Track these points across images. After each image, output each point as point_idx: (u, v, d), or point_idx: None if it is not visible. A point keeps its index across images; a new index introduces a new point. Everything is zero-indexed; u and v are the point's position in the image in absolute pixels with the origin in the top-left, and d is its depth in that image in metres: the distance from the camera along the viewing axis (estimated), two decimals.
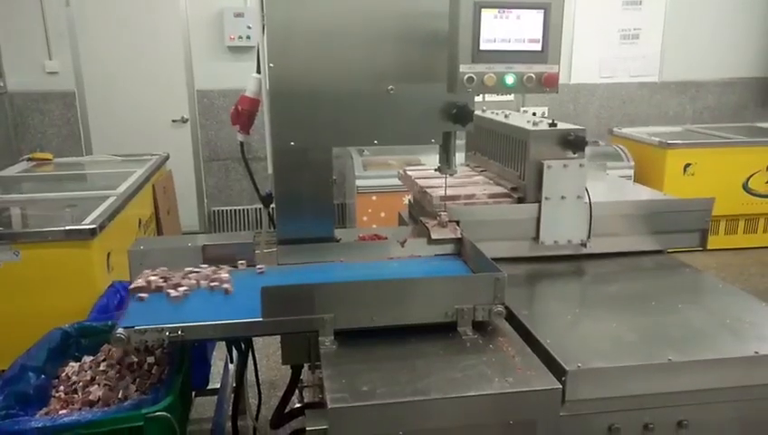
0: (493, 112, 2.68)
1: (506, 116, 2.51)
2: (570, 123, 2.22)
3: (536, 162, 2.09)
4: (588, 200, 2.12)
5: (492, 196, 2.24)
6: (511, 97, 6.12)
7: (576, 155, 2.09)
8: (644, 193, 2.57)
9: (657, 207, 2.25)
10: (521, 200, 2.17)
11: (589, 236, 2.14)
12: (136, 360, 1.92)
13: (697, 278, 2.10)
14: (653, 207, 2.24)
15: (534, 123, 2.22)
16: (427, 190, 2.23)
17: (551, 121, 2.19)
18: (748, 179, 5.48)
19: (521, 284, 2.03)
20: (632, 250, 2.24)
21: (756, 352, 1.53)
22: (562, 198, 2.09)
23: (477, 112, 2.38)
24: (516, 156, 2.25)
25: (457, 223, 2.09)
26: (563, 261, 2.17)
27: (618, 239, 2.21)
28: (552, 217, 2.11)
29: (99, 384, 1.85)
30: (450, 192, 2.19)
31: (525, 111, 6.12)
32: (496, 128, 2.46)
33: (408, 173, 2.58)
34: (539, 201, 2.10)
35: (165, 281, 1.85)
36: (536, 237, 2.13)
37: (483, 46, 1.70)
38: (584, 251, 2.17)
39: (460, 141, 2.23)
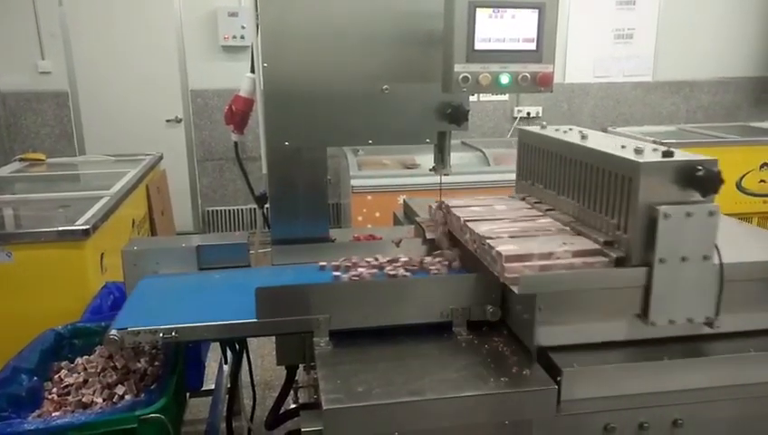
0: (557, 130, 2.00)
1: (583, 137, 1.84)
2: (679, 149, 1.57)
3: (646, 207, 1.46)
4: (719, 261, 1.51)
5: (577, 254, 1.57)
6: (506, 97, 6.13)
7: (705, 198, 1.48)
8: None
9: None
10: (620, 262, 1.54)
11: (717, 313, 1.54)
12: (129, 361, 1.91)
13: None
14: None
15: (637, 151, 1.55)
16: (491, 243, 1.61)
17: (663, 149, 1.54)
18: (741, 179, 5.50)
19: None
20: None
21: (751, 351, 1.54)
22: (683, 259, 1.47)
23: (534, 130, 2.03)
24: (611, 197, 1.59)
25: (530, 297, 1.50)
26: (676, 344, 1.58)
27: (755, 315, 1.62)
28: (669, 287, 1.48)
29: (92, 386, 1.84)
30: (515, 247, 1.57)
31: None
32: (571, 153, 1.80)
33: (454, 212, 1.93)
34: (649, 264, 1.48)
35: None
36: (642, 315, 1.52)
37: (477, 46, 1.70)
38: (708, 331, 1.57)
39: (455, 141, 2.21)
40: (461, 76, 1.71)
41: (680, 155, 1.51)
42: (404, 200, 2.82)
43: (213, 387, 2.72)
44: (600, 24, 6.33)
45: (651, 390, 1.50)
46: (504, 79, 1.73)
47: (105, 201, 3.33)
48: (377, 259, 1.96)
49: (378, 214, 4.63)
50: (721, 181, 1.43)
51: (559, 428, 1.46)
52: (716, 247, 1.49)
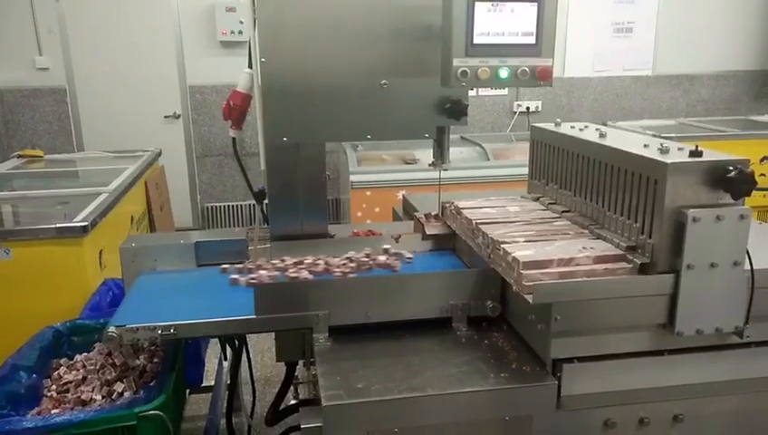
0: (573, 127, 1.91)
1: (602, 135, 1.76)
2: (708, 150, 1.46)
3: (674, 211, 1.38)
4: (750, 268, 1.42)
5: (598, 260, 1.47)
6: (505, 91, 6.12)
7: (736, 200, 1.39)
8: None
9: None
10: (644, 268, 1.45)
11: (747, 322, 1.45)
12: (128, 358, 1.91)
13: None
14: None
15: (662, 150, 1.47)
16: (506, 248, 1.53)
17: (690, 148, 1.45)
18: None
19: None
20: None
21: (751, 345, 1.53)
22: (712, 265, 1.39)
23: (549, 127, 1.97)
24: (635, 199, 1.51)
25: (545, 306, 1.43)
26: (703, 353, 1.52)
27: None
28: (697, 295, 1.41)
29: (91, 383, 1.84)
30: (532, 252, 1.49)
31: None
32: (589, 152, 1.71)
33: (465, 213, 1.86)
34: (676, 271, 1.41)
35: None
36: (668, 324, 1.45)
37: (476, 40, 1.69)
38: (735, 341, 1.50)
39: (454, 136, 2.20)
40: (460, 70, 1.70)
41: (709, 155, 1.43)
42: (403, 196, 2.81)
43: (212, 383, 2.71)
44: (599, 17, 6.31)
45: (652, 385, 1.50)
46: (504, 73, 1.72)
47: (104, 198, 3.32)
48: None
49: (377, 209, 4.63)
50: (754, 183, 1.35)
51: (559, 423, 1.46)
52: (747, 253, 1.41)
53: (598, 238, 1.60)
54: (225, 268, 1.95)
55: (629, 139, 1.71)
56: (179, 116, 5.84)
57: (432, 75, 1.82)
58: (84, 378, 1.87)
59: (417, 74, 1.91)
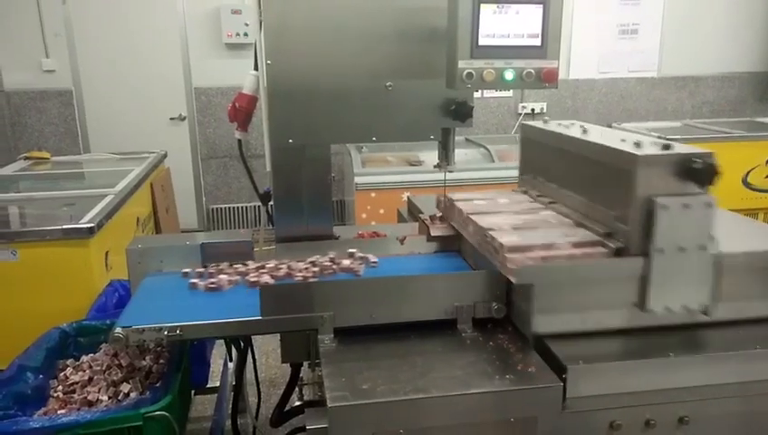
0: (560, 124, 2.03)
1: (585, 131, 1.87)
2: (679, 143, 1.61)
3: (645, 200, 1.49)
4: (716, 251, 1.55)
5: (578, 245, 1.61)
6: (510, 93, 6.11)
7: (702, 190, 1.52)
8: None
9: None
10: (620, 252, 1.57)
11: (713, 301, 1.58)
12: (134, 359, 1.91)
13: None
14: None
15: (637, 144, 1.60)
16: (494, 235, 1.66)
17: (662, 142, 1.60)
18: (747, 174, 5.47)
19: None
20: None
21: (758, 348, 1.53)
22: (681, 249, 1.51)
23: (538, 125, 2.05)
24: (611, 189, 1.63)
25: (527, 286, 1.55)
26: (672, 333, 1.61)
27: (749, 304, 1.65)
28: (667, 276, 1.53)
29: (97, 384, 1.84)
30: (517, 238, 1.62)
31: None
32: (573, 147, 1.83)
33: (458, 205, 1.97)
34: (647, 254, 1.52)
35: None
36: (640, 303, 1.57)
37: (482, 42, 1.69)
38: (703, 319, 1.61)
39: (459, 137, 2.20)
40: (465, 72, 1.70)
41: (678, 148, 1.55)
42: (408, 197, 2.81)
43: (218, 384, 2.72)
44: (604, 19, 6.30)
45: (657, 387, 1.49)
46: (509, 75, 1.72)
47: (110, 199, 3.34)
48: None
49: (382, 211, 4.63)
50: (718, 173, 1.47)
51: (564, 425, 1.46)
52: (713, 238, 1.53)
53: (579, 226, 1.72)
54: (186, 272, 1.94)
55: (609, 135, 1.82)
56: (185, 118, 5.86)
57: (437, 77, 1.83)
58: (90, 379, 1.88)
59: (422, 76, 1.91)
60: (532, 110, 6.28)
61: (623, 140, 1.66)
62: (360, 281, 1.68)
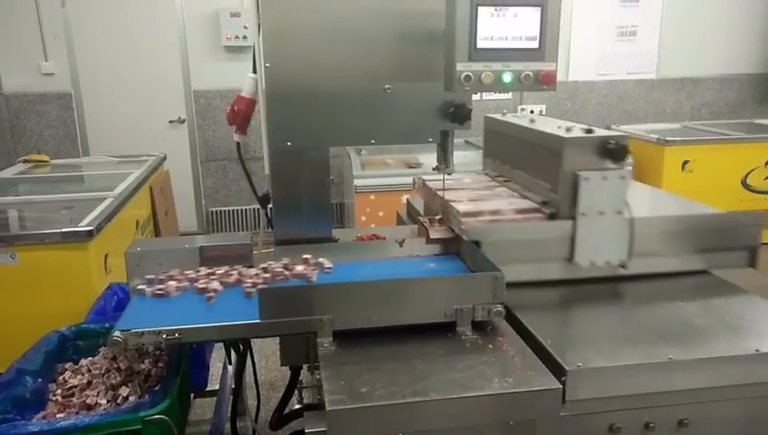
0: (515, 116, 2.41)
1: (532, 120, 2.24)
2: (601, 128, 1.98)
3: (571, 173, 1.83)
4: (629, 216, 1.87)
5: (520, 211, 1.98)
6: (509, 95, 6.12)
7: (616, 165, 1.84)
8: (687, 206, 2.25)
9: (702, 223, 2.01)
10: (553, 216, 1.92)
11: (629, 257, 1.90)
12: (133, 363, 1.91)
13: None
14: (698, 223, 2.01)
15: (567, 129, 1.96)
16: (453, 205, 2.01)
17: (586, 128, 1.96)
18: (747, 176, 5.48)
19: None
20: (676, 271, 2.00)
21: (757, 350, 1.53)
22: (601, 213, 1.84)
23: (496, 116, 2.32)
24: (547, 166, 1.97)
25: (477, 244, 1.87)
26: (598, 284, 1.93)
27: (660, 259, 1.97)
28: (589, 236, 1.85)
29: (96, 388, 1.84)
30: (471, 207, 1.98)
31: (527, 111, 6.13)
32: (521, 134, 2.18)
33: (428, 184, 2.34)
34: (573, 217, 1.85)
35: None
36: (570, 258, 1.89)
37: (480, 44, 1.69)
38: (622, 272, 1.93)
39: (458, 140, 2.21)
40: (463, 75, 1.70)
41: (598, 132, 1.89)
42: (407, 200, 2.81)
43: (217, 388, 2.72)
44: (603, 21, 6.31)
45: (657, 389, 1.49)
46: (507, 77, 1.72)
47: (109, 202, 3.34)
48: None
49: (381, 213, 4.63)
50: (627, 152, 1.81)
51: (564, 428, 1.45)
52: (627, 204, 1.86)
53: (523, 198, 2.10)
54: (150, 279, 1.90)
55: (551, 123, 2.14)
56: (184, 121, 5.86)
57: (435, 80, 1.83)
58: (89, 382, 1.88)
59: (420, 79, 1.92)
60: (531, 112, 6.28)
61: (559, 127, 2.01)
62: (359, 284, 1.68)
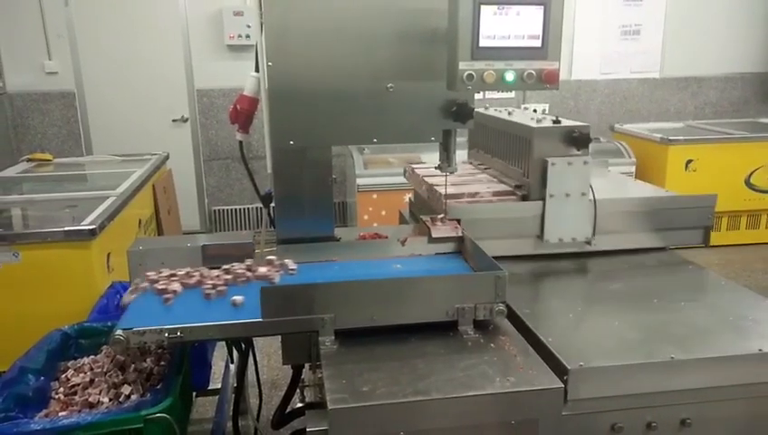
0: (496, 110, 2.66)
1: (509, 113, 2.49)
2: (573, 120, 2.20)
3: (540, 160, 2.08)
4: (593, 198, 2.11)
5: (496, 193, 2.24)
6: (511, 94, 6.11)
7: (580, 152, 2.08)
8: (647, 190, 2.53)
9: (660, 204, 2.24)
10: (525, 198, 2.16)
11: (593, 234, 2.13)
12: (135, 361, 1.91)
13: (700, 275, 2.08)
14: (656, 204, 2.23)
15: (538, 120, 2.20)
16: (436, 188, 2.23)
17: (554, 119, 2.17)
18: (750, 175, 5.47)
19: (524, 282, 2.02)
20: (636, 247, 2.22)
21: (760, 350, 1.52)
22: (567, 195, 2.08)
23: (480, 110, 2.47)
24: (520, 153, 2.23)
25: (458, 221, 2.07)
26: (567, 259, 2.16)
27: (622, 236, 2.20)
28: (557, 215, 2.09)
29: (98, 386, 1.84)
30: (453, 190, 2.18)
31: (527, 108, 6.12)
32: (499, 125, 2.44)
33: (416, 171, 2.57)
34: (543, 199, 2.09)
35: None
36: (540, 235, 2.12)
37: (482, 43, 1.69)
38: (588, 249, 2.15)
39: (461, 139, 2.21)
40: (466, 74, 1.70)
41: (565, 123, 2.14)
42: (410, 199, 2.81)
43: (219, 386, 2.72)
44: (606, 20, 6.29)
45: (659, 389, 1.49)
46: (509, 76, 1.72)
47: (111, 201, 3.35)
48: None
49: (383, 212, 4.64)
50: (590, 140, 2.06)
51: (565, 427, 1.45)
52: (591, 187, 2.10)
53: (500, 183, 2.38)
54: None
55: (526, 115, 2.44)
56: (187, 120, 5.87)
57: (438, 78, 1.82)
58: (92, 380, 1.88)
59: (423, 78, 1.91)
60: (534, 110, 6.27)
61: (531, 119, 2.27)
62: (360, 283, 1.68)
